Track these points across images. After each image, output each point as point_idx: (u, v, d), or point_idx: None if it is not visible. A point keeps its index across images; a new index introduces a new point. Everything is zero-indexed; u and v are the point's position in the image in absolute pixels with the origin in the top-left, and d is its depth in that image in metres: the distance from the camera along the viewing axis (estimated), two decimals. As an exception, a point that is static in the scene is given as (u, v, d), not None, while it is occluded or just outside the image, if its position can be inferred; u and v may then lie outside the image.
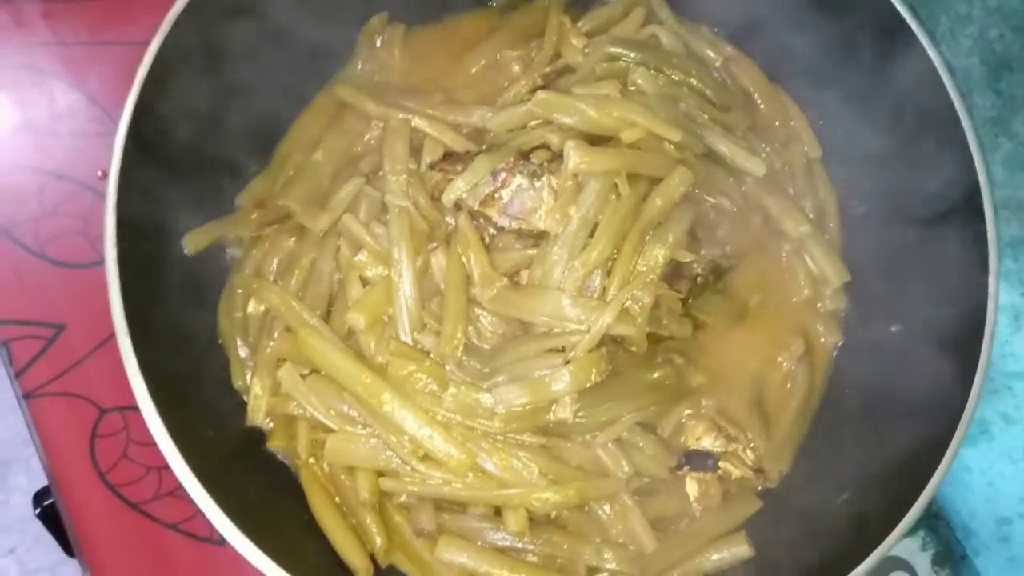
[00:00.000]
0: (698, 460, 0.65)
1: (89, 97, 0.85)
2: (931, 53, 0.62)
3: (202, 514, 0.75)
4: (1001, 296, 0.75)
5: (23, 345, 0.76)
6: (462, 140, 0.69)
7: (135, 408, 0.74)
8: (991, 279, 0.58)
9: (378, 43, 0.76)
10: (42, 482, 0.78)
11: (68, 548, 0.77)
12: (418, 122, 0.70)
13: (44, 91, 0.84)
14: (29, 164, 0.81)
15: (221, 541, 0.75)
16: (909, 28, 0.62)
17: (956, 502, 0.92)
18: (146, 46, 0.60)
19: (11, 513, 1.76)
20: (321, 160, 0.71)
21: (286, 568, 0.51)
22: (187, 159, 0.64)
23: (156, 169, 0.61)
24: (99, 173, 0.81)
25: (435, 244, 0.65)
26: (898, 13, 0.62)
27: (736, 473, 0.66)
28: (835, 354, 0.72)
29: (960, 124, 0.60)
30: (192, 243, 0.64)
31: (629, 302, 0.62)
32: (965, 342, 0.58)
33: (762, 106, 0.74)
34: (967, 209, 0.61)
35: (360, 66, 0.76)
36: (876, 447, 0.63)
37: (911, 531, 0.94)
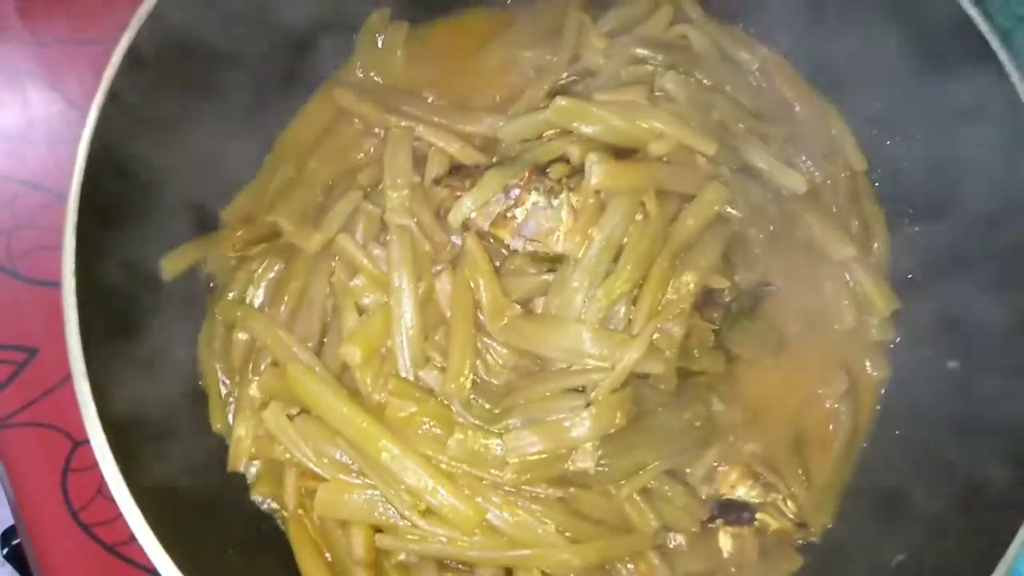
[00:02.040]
0: (732, 512, 0.59)
1: (67, 100, 0.80)
2: (1000, 54, 0.55)
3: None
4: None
5: (-9, 371, 0.71)
6: (471, 151, 0.63)
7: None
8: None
9: (379, 42, 0.70)
10: (9, 520, 0.73)
11: (37, 592, 0.72)
12: (422, 130, 0.64)
13: (19, 94, 0.80)
14: (1, 173, 0.76)
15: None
16: (975, 27, 0.55)
17: None
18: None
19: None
20: (314, 172, 0.66)
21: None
22: (162, 168, 0.58)
23: (126, 181, 0.55)
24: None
25: (440, 267, 0.59)
26: (965, 12, 0.55)
27: (774, 525, 0.60)
28: (883, 391, 0.66)
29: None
30: (169, 267, 0.58)
31: (657, 335, 0.56)
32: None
33: (801, 114, 0.68)
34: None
35: (359, 67, 0.70)
36: (937, 500, 0.56)
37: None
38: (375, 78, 0.70)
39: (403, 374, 0.56)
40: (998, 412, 0.55)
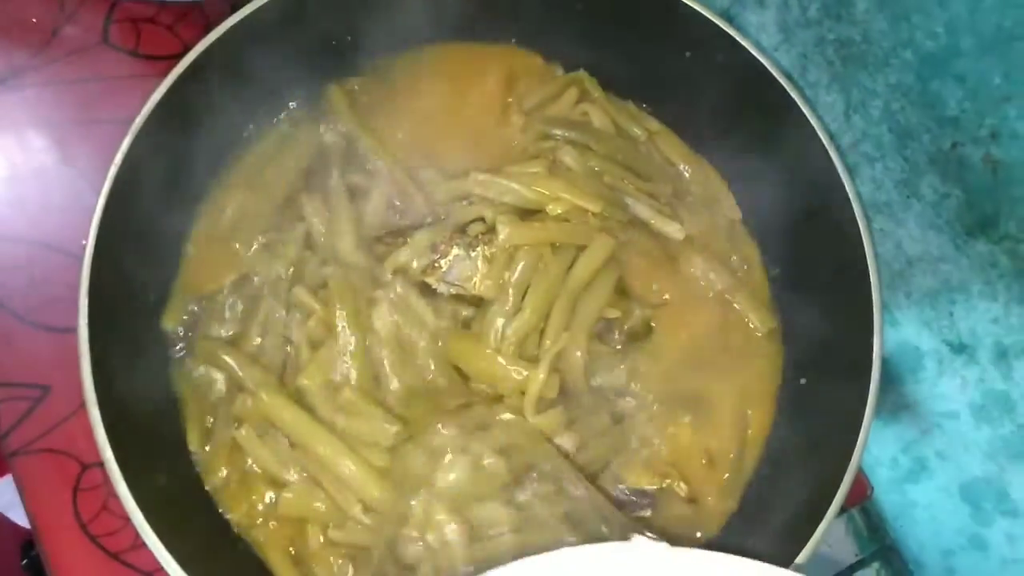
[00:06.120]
0: (638, 497, 0.70)
1: (77, 172, 0.90)
2: (822, 136, 0.68)
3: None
4: (924, 343, 0.81)
5: (10, 406, 0.81)
6: (409, 213, 0.74)
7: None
8: (875, 338, 0.64)
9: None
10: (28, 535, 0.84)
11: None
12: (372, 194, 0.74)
13: (36, 169, 0.89)
14: (21, 236, 0.86)
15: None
16: (801, 111, 0.68)
17: (907, 536, 0.97)
18: (128, 124, 0.65)
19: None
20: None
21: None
22: (155, 228, 0.70)
23: (129, 238, 0.66)
24: (84, 243, 0.87)
25: (380, 306, 0.69)
26: (789, 95, 0.68)
27: (675, 510, 0.70)
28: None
29: (849, 201, 0.66)
30: (169, 320, 0.70)
31: (561, 360, 0.68)
32: (858, 391, 0.63)
33: (686, 174, 0.81)
34: (859, 272, 0.66)
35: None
36: (797, 491, 0.68)
37: (867, 564, 0.99)
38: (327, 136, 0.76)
39: (348, 395, 0.66)
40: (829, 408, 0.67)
